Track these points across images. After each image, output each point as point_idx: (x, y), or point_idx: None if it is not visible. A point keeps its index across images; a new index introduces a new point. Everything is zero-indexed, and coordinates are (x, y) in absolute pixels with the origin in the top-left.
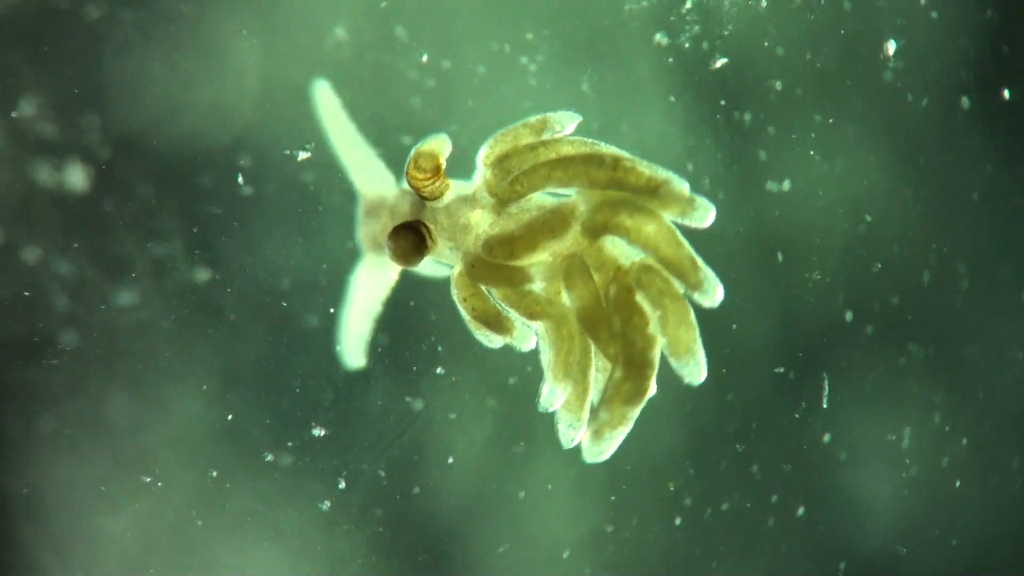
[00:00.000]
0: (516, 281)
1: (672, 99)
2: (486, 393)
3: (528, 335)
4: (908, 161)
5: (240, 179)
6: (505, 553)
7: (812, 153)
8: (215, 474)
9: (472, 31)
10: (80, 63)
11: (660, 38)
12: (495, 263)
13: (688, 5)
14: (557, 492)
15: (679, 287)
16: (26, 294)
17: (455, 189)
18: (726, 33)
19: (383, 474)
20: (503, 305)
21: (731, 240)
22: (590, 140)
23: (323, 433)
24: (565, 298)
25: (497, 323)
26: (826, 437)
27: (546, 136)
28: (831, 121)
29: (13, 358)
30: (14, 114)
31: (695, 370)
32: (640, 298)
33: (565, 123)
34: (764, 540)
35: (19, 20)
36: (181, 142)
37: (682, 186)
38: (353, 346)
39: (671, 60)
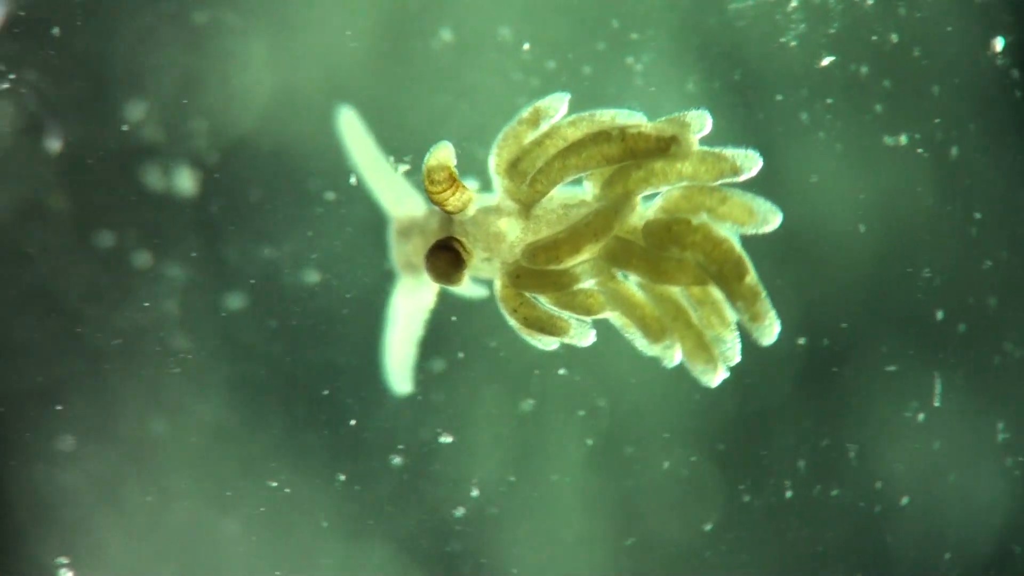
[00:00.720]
0: (563, 284)
1: (779, 97)
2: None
3: (586, 330)
4: None
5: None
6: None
7: (921, 151)
8: (343, 477)
9: (577, 31)
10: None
11: (767, 37)
12: (539, 270)
13: (794, 3)
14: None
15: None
16: (145, 304)
17: (479, 200)
18: (832, 31)
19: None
20: (554, 308)
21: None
22: (587, 113)
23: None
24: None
25: (552, 327)
26: (935, 442)
27: (544, 126)
28: (943, 121)
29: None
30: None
31: (767, 326)
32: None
33: (557, 105)
34: (870, 528)
35: (126, 29)
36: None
37: (691, 135)
38: (399, 372)
39: (777, 58)
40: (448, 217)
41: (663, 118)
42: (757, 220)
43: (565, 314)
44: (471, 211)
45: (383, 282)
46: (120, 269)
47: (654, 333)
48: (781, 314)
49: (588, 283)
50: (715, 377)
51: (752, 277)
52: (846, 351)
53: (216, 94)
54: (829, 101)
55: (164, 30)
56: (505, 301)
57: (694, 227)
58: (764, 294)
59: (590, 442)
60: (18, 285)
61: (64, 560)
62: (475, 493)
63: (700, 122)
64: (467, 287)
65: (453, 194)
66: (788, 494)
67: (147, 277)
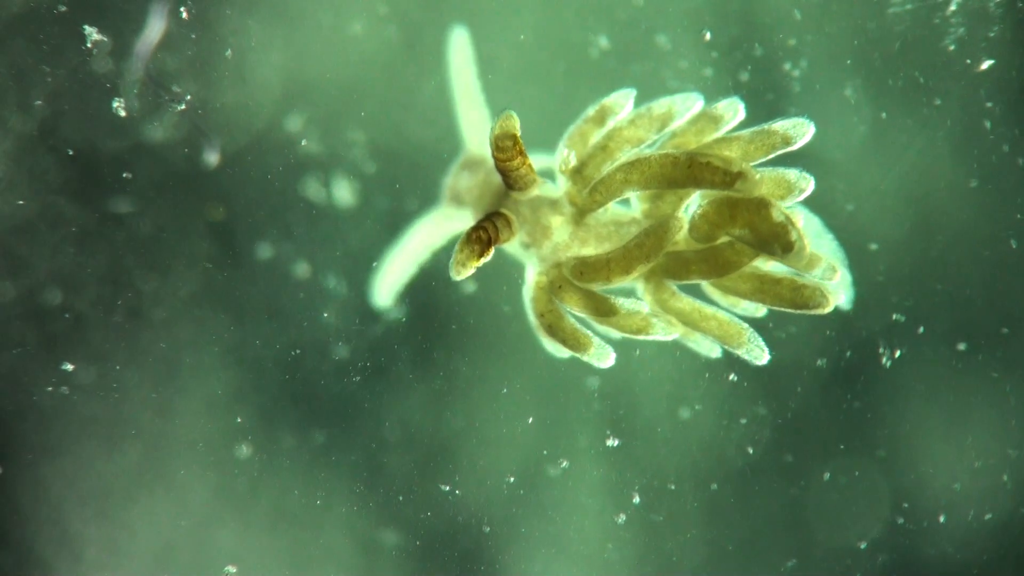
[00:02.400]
0: (603, 311)
1: (938, 102)
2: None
3: (607, 353)
4: None
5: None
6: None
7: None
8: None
9: (732, 37)
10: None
11: (925, 40)
12: (583, 288)
13: (953, 7)
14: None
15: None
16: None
17: (541, 187)
18: (992, 35)
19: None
20: (583, 317)
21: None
22: (645, 107)
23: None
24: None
25: (575, 342)
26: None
27: (610, 124)
28: None
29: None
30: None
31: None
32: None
33: (622, 103)
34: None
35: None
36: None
37: (756, 174)
38: (388, 286)
39: (935, 63)
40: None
41: (699, 111)
42: (793, 191)
43: (593, 330)
44: (532, 192)
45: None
46: (284, 280)
47: (735, 338)
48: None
49: (641, 305)
50: (833, 302)
51: (799, 230)
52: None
53: (373, 106)
54: (989, 105)
55: (315, 42)
56: (535, 302)
57: (734, 201)
58: (795, 222)
59: (751, 450)
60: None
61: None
62: (636, 500)
63: (733, 111)
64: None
65: (520, 166)
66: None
67: (307, 286)
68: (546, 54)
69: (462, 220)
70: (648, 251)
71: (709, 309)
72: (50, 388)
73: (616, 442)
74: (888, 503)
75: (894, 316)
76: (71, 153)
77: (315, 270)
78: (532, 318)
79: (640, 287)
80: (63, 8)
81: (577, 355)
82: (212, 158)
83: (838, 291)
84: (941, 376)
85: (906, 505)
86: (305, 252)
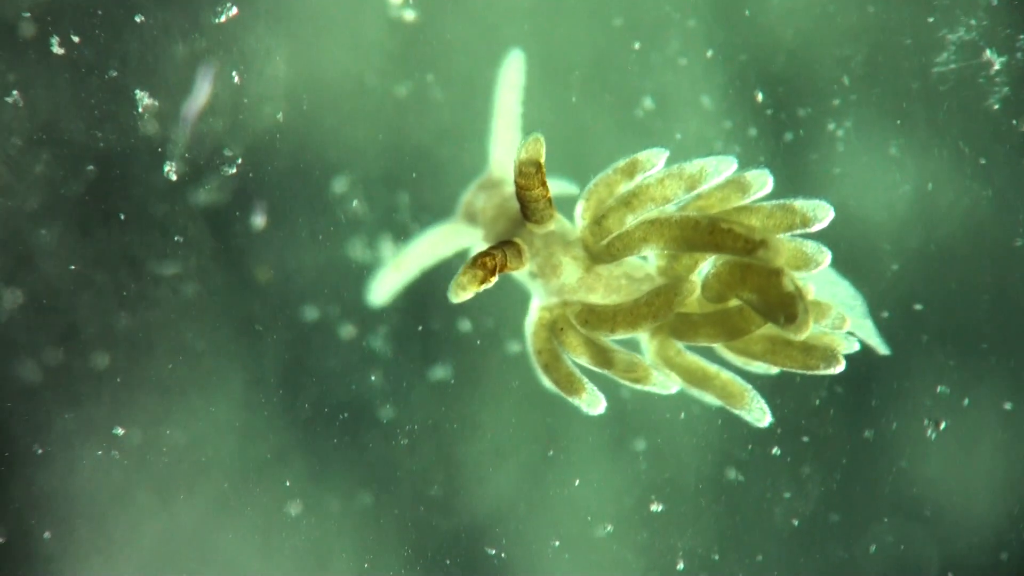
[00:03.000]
0: (600, 361)
1: (983, 161)
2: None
3: (598, 400)
4: None
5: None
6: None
7: None
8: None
9: (778, 99)
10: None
11: (968, 100)
12: (585, 335)
13: (997, 67)
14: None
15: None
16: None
17: (559, 223)
18: None
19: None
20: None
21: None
22: (674, 167)
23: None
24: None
25: (568, 385)
26: None
27: (639, 179)
28: None
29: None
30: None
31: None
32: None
33: (654, 160)
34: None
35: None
36: None
37: (779, 243)
38: (387, 285)
39: (980, 123)
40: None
41: (726, 177)
42: (809, 264)
43: (588, 374)
44: (548, 227)
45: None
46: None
47: (737, 399)
48: None
49: (639, 359)
50: (842, 363)
51: (806, 303)
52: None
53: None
54: None
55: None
56: (535, 337)
57: (748, 264)
58: (805, 295)
59: (796, 522)
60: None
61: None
62: (680, 566)
63: (762, 182)
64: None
65: (540, 198)
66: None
67: (355, 348)
68: (591, 113)
69: (472, 238)
70: (656, 311)
71: (713, 368)
72: (100, 452)
73: (660, 507)
74: (936, 566)
75: (939, 388)
76: (122, 218)
77: (362, 332)
78: (530, 351)
79: (644, 340)
80: (114, 73)
81: (568, 399)
82: (260, 220)
83: (851, 344)
84: (989, 440)
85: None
86: (353, 314)
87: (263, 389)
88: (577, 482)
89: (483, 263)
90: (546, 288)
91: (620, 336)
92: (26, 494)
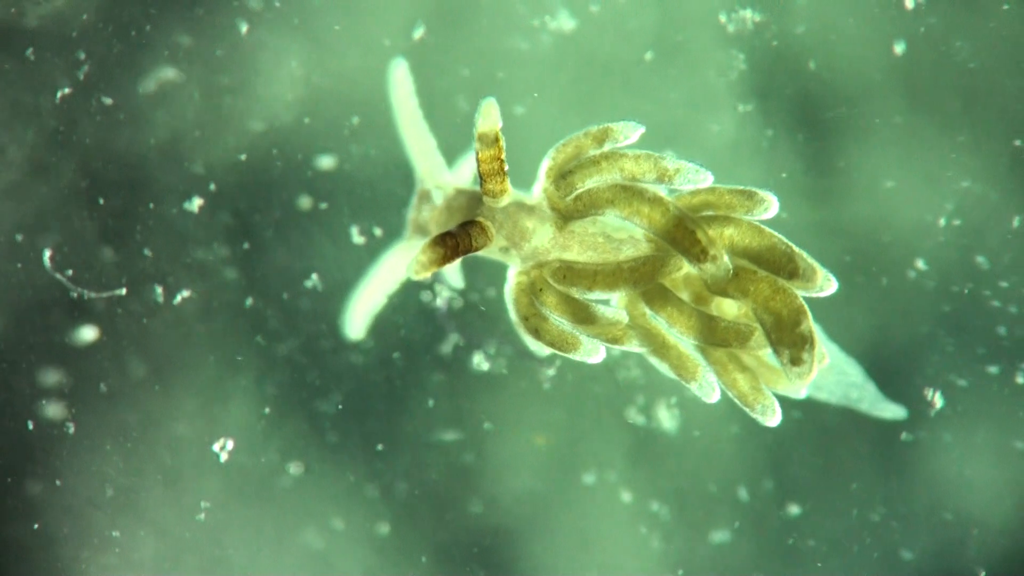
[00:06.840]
0: (582, 317)
1: None
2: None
3: (596, 349)
4: None
5: None
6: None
7: None
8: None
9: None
10: None
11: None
12: (564, 294)
13: None
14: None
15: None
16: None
17: (515, 196)
18: None
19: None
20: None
21: None
22: (654, 153)
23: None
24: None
25: (563, 343)
26: None
27: (607, 147)
28: None
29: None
30: None
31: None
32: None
33: (628, 133)
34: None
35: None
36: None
37: (725, 267)
38: (359, 318)
39: None
40: (476, 197)
41: (736, 187)
42: (815, 286)
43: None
44: (504, 201)
45: None
46: None
47: (689, 372)
48: None
49: (621, 314)
50: (774, 416)
51: (808, 324)
52: None
53: None
54: None
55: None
56: (517, 303)
57: (759, 276)
58: (816, 344)
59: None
60: None
61: None
62: None
63: (767, 204)
64: (452, 275)
65: (497, 158)
66: None
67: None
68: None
69: None
70: (639, 278)
71: (672, 339)
72: (110, 446)
73: (683, 511)
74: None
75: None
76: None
77: (380, 340)
78: (515, 319)
79: (615, 297)
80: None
81: (565, 355)
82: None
83: (797, 391)
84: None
85: None
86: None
87: (277, 392)
88: (591, 479)
89: (442, 241)
90: (521, 255)
91: (596, 294)
92: (39, 494)
